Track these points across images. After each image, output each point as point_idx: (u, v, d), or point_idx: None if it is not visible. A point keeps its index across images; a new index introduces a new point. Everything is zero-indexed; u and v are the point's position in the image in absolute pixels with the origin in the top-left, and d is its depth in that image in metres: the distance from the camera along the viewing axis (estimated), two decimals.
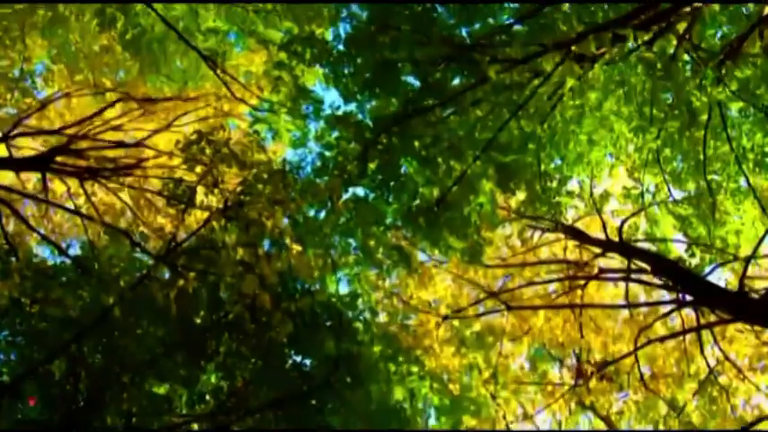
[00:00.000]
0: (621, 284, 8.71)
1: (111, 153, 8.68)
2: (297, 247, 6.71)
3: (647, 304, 8.08)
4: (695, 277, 7.18)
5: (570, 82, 7.39)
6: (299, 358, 6.81)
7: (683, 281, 7.00)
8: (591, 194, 9.05)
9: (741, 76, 6.11)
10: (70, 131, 8.42)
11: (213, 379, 7.67)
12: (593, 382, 8.43)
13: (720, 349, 7.77)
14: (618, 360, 8.37)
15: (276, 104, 8.46)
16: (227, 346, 6.88)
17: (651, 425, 9.12)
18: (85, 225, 8.43)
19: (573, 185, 9.78)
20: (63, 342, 6.61)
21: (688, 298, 6.99)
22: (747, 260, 6.69)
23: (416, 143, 8.27)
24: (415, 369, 6.49)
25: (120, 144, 8.42)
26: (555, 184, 9.43)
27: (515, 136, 7.77)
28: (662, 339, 7.76)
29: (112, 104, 8.69)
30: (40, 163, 7.90)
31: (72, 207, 8.55)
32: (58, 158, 8.14)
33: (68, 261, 8.35)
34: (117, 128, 8.65)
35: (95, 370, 7.62)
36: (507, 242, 9.97)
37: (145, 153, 9.03)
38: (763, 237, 6.84)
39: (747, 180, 7.78)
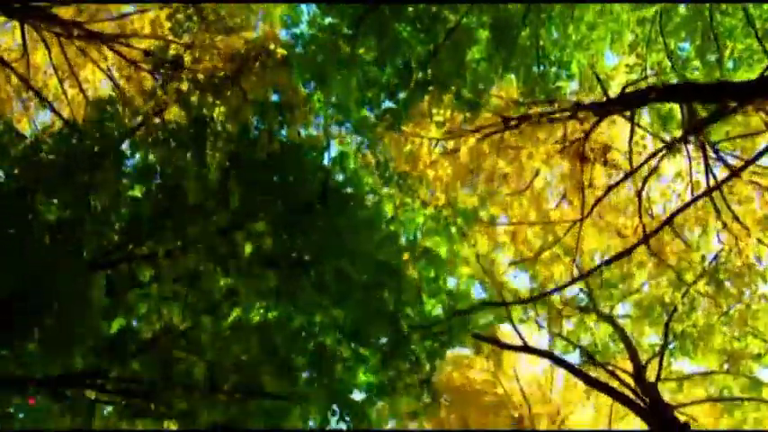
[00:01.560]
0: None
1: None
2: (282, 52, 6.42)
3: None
4: (707, 85, 6.88)
5: None
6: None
7: (695, 93, 6.68)
8: (595, 75, 8.72)
9: None
10: None
11: None
12: (597, 169, 8.07)
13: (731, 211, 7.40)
14: (619, 183, 7.97)
15: None
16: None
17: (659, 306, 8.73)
18: (68, 96, 8.18)
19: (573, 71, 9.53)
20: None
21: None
22: None
23: (410, 9, 8.06)
24: (408, 200, 6.20)
25: None
26: (554, 69, 9.18)
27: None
28: (669, 146, 7.38)
29: None
30: (19, 9, 7.59)
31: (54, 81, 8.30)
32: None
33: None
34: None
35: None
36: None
37: (129, 24, 8.78)
38: (765, 70, 6.54)
39: (757, 36, 7.46)
